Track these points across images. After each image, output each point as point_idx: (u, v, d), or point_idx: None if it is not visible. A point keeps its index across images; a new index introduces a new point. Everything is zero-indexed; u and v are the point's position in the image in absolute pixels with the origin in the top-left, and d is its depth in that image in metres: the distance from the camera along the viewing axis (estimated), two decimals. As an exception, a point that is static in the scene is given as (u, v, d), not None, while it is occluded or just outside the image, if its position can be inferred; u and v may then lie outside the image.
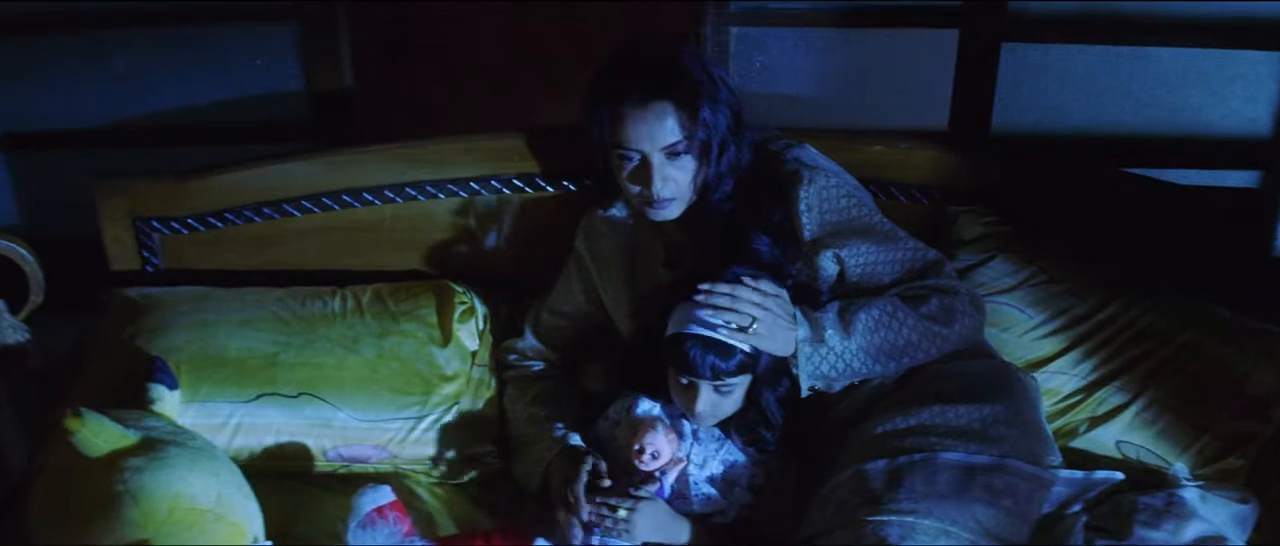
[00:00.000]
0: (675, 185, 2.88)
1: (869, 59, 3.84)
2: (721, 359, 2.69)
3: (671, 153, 2.86)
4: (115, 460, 2.65)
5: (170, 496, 2.62)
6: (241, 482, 2.81)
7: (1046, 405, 2.99)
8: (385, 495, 2.86)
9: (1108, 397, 2.99)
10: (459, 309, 3.32)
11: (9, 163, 4.15)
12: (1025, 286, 3.13)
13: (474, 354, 3.30)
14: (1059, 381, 3.03)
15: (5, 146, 4.11)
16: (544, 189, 3.43)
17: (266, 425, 3.12)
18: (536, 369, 3.27)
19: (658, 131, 2.85)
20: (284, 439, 3.14)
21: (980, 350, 2.97)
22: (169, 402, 2.96)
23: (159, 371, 2.98)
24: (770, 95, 3.65)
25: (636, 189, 2.91)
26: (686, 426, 2.84)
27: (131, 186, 3.46)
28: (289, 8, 3.84)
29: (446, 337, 3.27)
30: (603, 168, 3.00)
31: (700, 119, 2.84)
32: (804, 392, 2.78)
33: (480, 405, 3.25)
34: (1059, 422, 2.99)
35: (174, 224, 3.47)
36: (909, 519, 2.49)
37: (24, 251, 3.37)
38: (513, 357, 3.29)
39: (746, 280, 2.73)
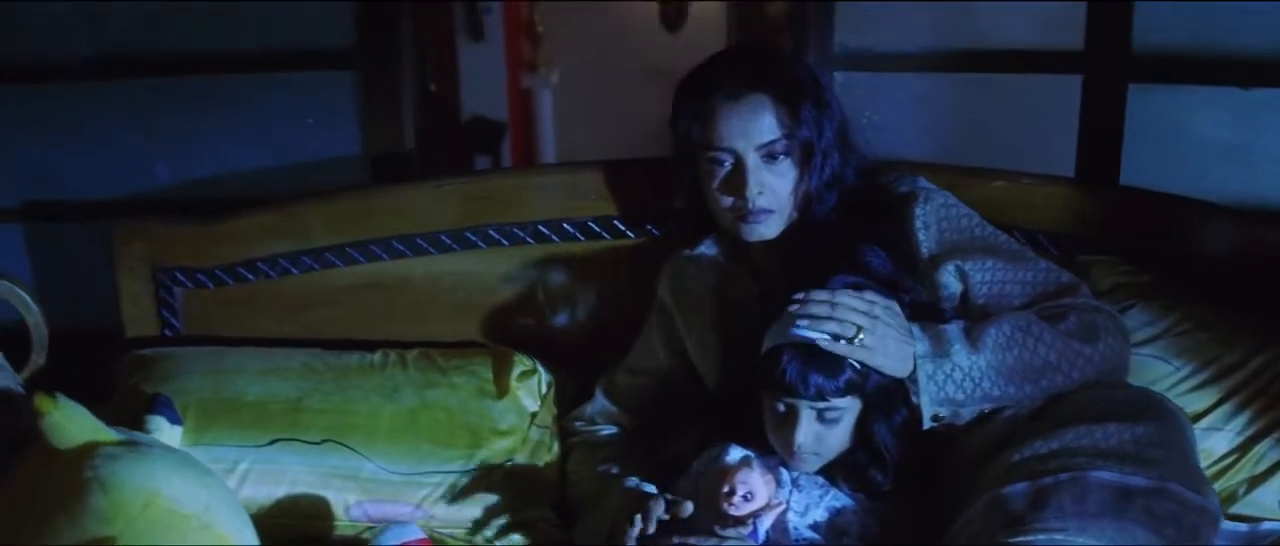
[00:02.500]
0: (773, 195, 2.63)
1: (986, 107, 3.56)
2: (826, 375, 2.37)
3: (769, 155, 2.61)
4: (88, 450, 2.35)
5: (146, 491, 2.29)
6: (238, 508, 2.48)
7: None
8: (412, 532, 2.55)
9: (1267, 453, 2.67)
10: (519, 369, 3.04)
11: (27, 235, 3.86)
12: (1169, 335, 2.81)
13: (533, 415, 3.00)
14: (1213, 441, 2.68)
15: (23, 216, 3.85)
16: (624, 234, 3.16)
17: (281, 473, 2.81)
18: (606, 433, 2.97)
19: (753, 126, 2.61)
20: (301, 490, 2.81)
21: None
22: (168, 437, 2.69)
23: (161, 405, 2.71)
24: (877, 142, 3.23)
25: (728, 201, 2.66)
26: (785, 475, 2.50)
27: (152, 231, 3.24)
28: (348, 54, 3.57)
29: (502, 392, 2.98)
30: (689, 181, 2.75)
31: (801, 117, 2.61)
32: (926, 422, 2.44)
33: (539, 464, 2.93)
34: (1217, 487, 2.62)
35: (199, 275, 3.24)
36: (1059, 536, 2.12)
37: (27, 298, 3.14)
38: (579, 424, 3.00)
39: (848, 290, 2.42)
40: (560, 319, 3.17)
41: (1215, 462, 2.67)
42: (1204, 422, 2.68)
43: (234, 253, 3.18)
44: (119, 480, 2.26)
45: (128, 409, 2.74)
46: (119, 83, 3.63)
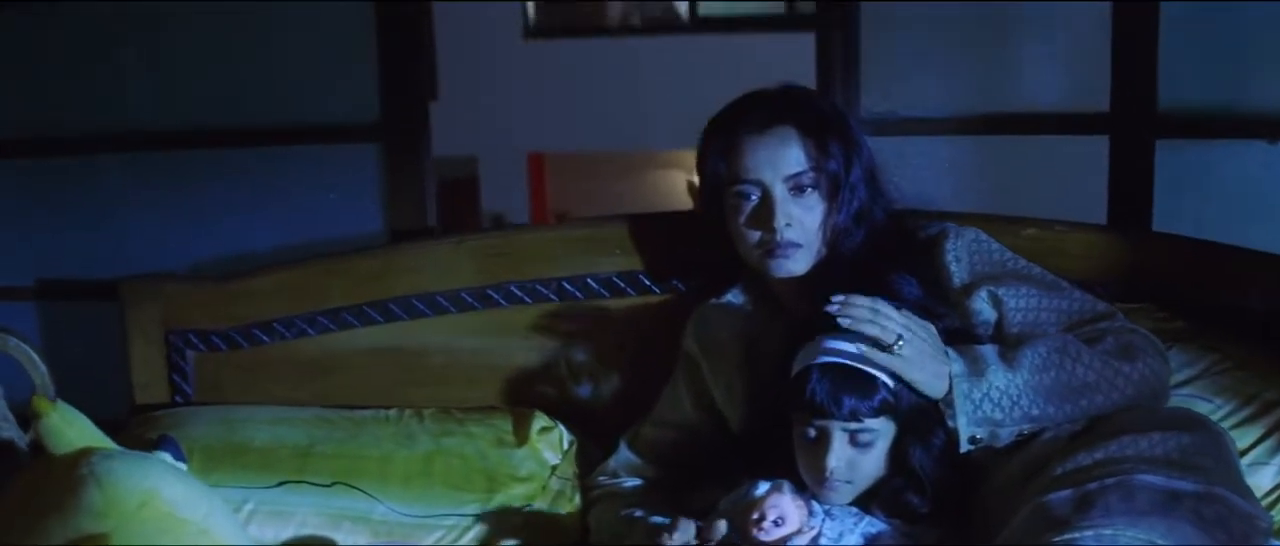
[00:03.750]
0: (800, 228, 2.56)
1: (1015, 170, 3.53)
2: (859, 394, 2.26)
3: (796, 187, 2.55)
4: (86, 452, 2.27)
5: (144, 489, 2.21)
6: (241, 529, 2.48)
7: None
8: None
9: (1314, 487, 2.59)
10: (539, 425, 2.93)
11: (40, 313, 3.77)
12: (1208, 375, 2.70)
13: (554, 467, 2.88)
14: (1259, 476, 2.55)
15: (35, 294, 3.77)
16: (649, 289, 3.06)
17: (288, 514, 2.72)
18: (630, 485, 2.84)
19: (780, 158, 2.56)
20: (308, 531, 2.70)
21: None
22: (172, 473, 2.65)
23: (166, 443, 2.53)
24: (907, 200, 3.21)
25: (756, 236, 2.59)
26: (817, 506, 2.36)
27: (166, 289, 3.16)
28: (372, 129, 3.51)
29: (521, 441, 2.88)
30: (715, 214, 2.68)
31: (828, 150, 2.57)
32: (964, 445, 2.32)
33: (560, 512, 2.82)
34: (1263, 526, 2.59)
35: (213, 337, 3.15)
36: (1106, 532, 2.01)
37: (34, 356, 3.05)
38: (603, 478, 2.88)
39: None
40: (584, 385, 3.07)
41: (1261, 498, 2.52)
42: (1248, 458, 2.57)
43: (249, 312, 3.10)
44: (116, 477, 2.18)
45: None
46: (136, 156, 3.58)
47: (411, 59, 3.45)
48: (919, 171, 3.32)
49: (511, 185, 8.98)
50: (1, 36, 3.59)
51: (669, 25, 9.56)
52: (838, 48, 3.36)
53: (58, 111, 3.60)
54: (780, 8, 9.66)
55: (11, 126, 3.64)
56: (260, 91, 3.53)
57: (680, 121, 8.04)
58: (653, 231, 3.05)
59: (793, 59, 7.35)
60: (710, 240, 2.71)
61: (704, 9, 9.18)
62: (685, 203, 9.72)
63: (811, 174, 2.54)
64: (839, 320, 2.23)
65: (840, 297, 2.25)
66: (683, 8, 9.56)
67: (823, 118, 2.59)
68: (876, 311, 2.24)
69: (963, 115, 3.41)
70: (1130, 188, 3.32)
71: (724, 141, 2.60)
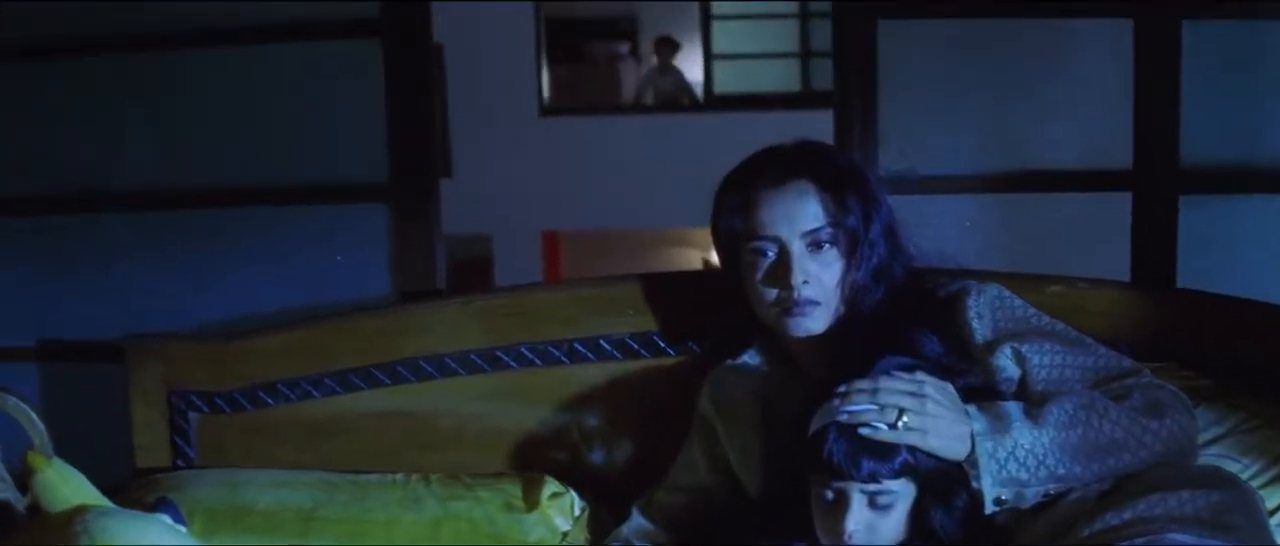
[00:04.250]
0: (818, 285, 2.48)
1: (1036, 228, 3.42)
2: (878, 456, 2.18)
3: (814, 243, 2.48)
4: (81, 510, 2.20)
5: None
6: None
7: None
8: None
9: (1348, 547, 2.53)
10: (550, 490, 2.84)
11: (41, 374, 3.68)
12: (1235, 434, 2.65)
13: (565, 534, 2.80)
14: None
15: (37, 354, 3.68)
16: (663, 352, 2.98)
17: None
18: None
19: (797, 212, 2.49)
20: None
21: None
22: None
23: (165, 506, 2.43)
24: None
25: (773, 294, 2.51)
26: None
27: (169, 350, 3.09)
28: (381, 189, 3.43)
29: (532, 506, 2.79)
30: (731, 273, 2.61)
31: (847, 205, 2.50)
32: (988, 506, 2.22)
33: None
34: (1295, 583, 2.50)
35: (217, 399, 3.08)
36: None
37: (32, 415, 2.93)
38: (615, 545, 2.80)
39: (895, 372, 2.26)
40: (597, 450, 2.99)
41: (1294, 559, 2.49)
42: (1277, 518, 2.49)
43: (254, 373, 3.02)
44: (111, 536, 2.09)
45: (130, 513, 2.56)
46: (140, 215, 3.51)
47: (421, 117, 3.37)
48: (939, 230, 3.22)
49: (525, 264, 8.94)
50: (4, 92, 3.51)
51: (684, 103, 9.59)
52: (856, 107, 3.28)
53: (60, 169, 3.52)
54: (796, 84, 9.67)
55: (14, 183, 3.56)
56: (266, 150, 3.45)
57: (695, 199, 8.06)
58: (666, 291, 2.98)
59: (808, 135, 7.38)
60: (725, 300, 2.63)
61: (719, 86, 9.16)
62: None
63: (830, 230, 2.47)
64: (839, 418, 2.17)
65: (842, 388, 2.20)
66: (698, 85, 9.56)
67: (840, 172, 2.52)
68: (877, 392, 2.18)
69: (983, 173, 3.34)
70: (1154, 244, 3.27)
71: (740, 197, 2.54)
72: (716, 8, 9.27)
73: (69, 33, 3.50)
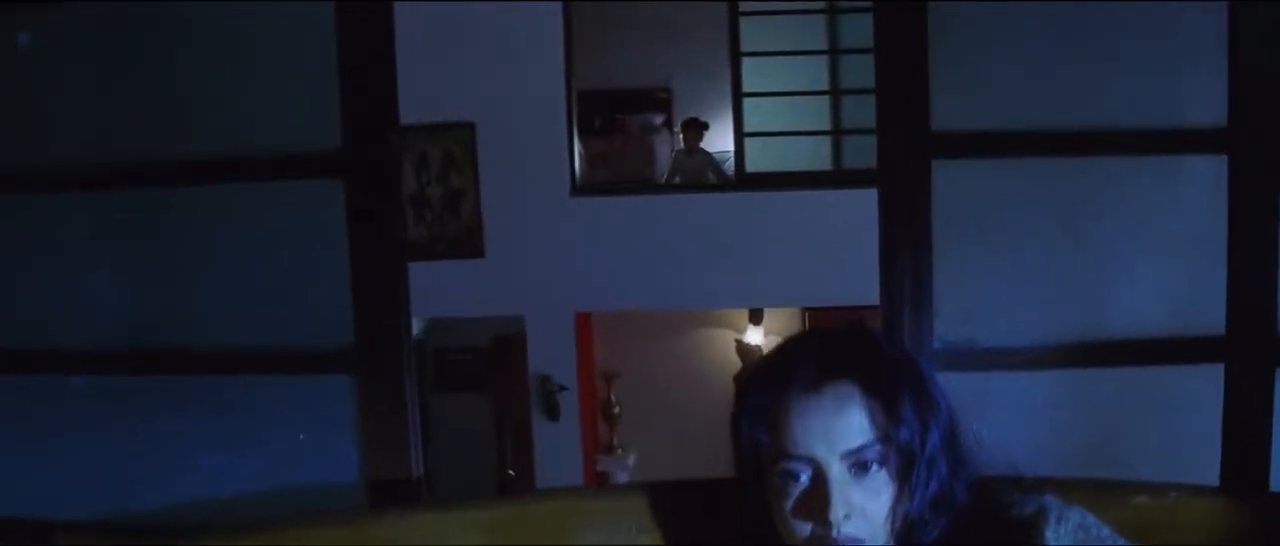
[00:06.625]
0: (863, 519, 1.92)
1: (1111, 407, 2.86)
2: None
3: (858, 464, 1.91)
4: None
5: None
6: None
7: None
8: None
9: None
10: None
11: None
12: None
13: None
14: None
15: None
16: None
17: None
18: None
19: (837, 428, 1.91)
20: None
21: None
22: None
23: None
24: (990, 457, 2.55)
25: (806, 529, 1.93)
26: None
27: None
28: (345, 355, 2.81)
29: None
30: (754, 504, 2.03)
31: (900, 415, 1.92)
32: None
33: None
34: None
35: None
36: None
37: None
38: None
39: None
40: None
41: None
42: None
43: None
44: None
45: None
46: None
47: (389, 274, 2.78)
48: (1002, 412, 2.72)
49: (558, 345, 8.52)
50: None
51: (711, 181, 9.25)
52: (906, 263, 2.71)
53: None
54: (827, 163, 9.32)
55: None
56: (220, 309, 2.86)
57: (728, 280, 7.57)
58: (681, 504, 2.40)
59: (841, 215, 6.87)
60: (749, 521, 2.01)
61: (750, 164, 8.78)
62: (733, 363, 9.42)
63: (878, 448, 1.89)
64: None
65: None
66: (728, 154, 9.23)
67: (892, 370, 1.94)
68: None
69: (1054, 344, 2.78)
70: (1249, 423, 2.78)
71: (765, 402, 1.95)
72: (748, 84, 8.88)
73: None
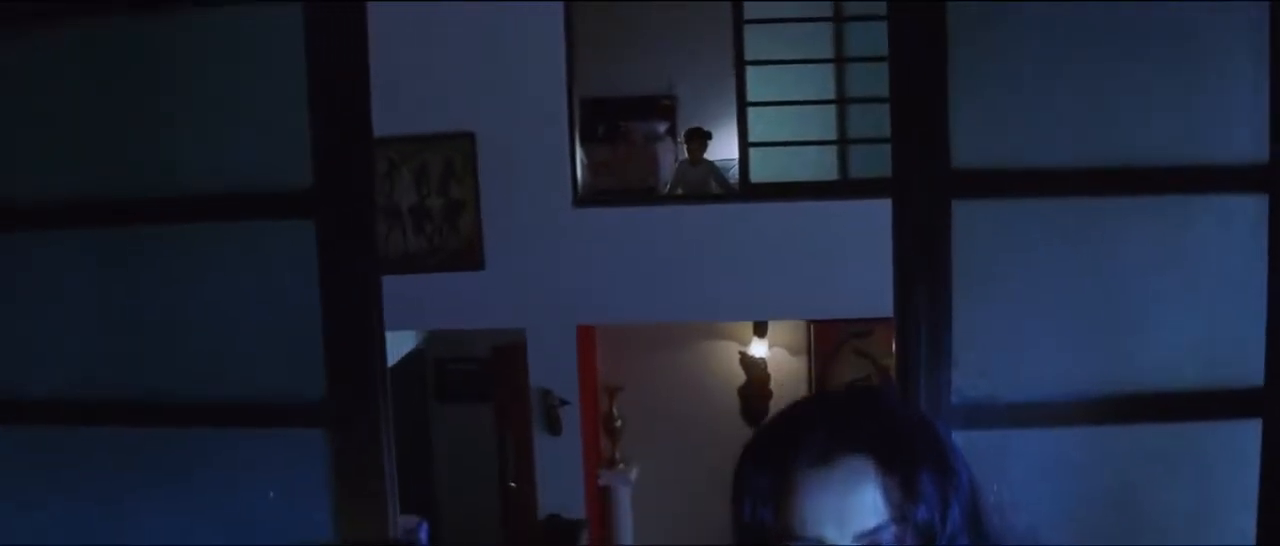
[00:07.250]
0: None
1: (1142, 465, 2.65)
2: None
3: None
4: None
5: None
6: None
7: None
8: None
9: None
10: None
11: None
12: None
13: None
14: None
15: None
16: None
17: None
18: None
19: (849, 507, 1.71)
20: None
21: None
22: None
23: None
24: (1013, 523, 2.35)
25: None
26: None
27: None
28: (317, 408, 2.61)
29: None
30: None
31: (919, 491, 1.72)
32: None
33: None
34: None
35: None
36: None
37: None
38: None
39: None
40: None
41: None
42: None
43: None
44: None
45: None
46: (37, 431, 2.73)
47: (364, 319, 2.57)
48: (1025, 471, 2.51)
49: (559, 358, 8.39)
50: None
51: (714, 191, 9.17)
52: (923, 310, 2.49)
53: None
54: (833, 173, 9.16)
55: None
56: (181, 356, 2.65)
57: (732, 291, 7.38)
58: None
59: (846, 225, 6.70)
60: None
61: (755, 174, 8.62)
62: (738, 376, 9.28)
63: (894, 529, 1.69)
64: None
65: None
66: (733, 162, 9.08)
67: (909, 440, 1.74)
68: None
69: (1080, 398, 2.57)
70: None
71: (768, 479, 1.75)
72: (753, 93, 8.71)
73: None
